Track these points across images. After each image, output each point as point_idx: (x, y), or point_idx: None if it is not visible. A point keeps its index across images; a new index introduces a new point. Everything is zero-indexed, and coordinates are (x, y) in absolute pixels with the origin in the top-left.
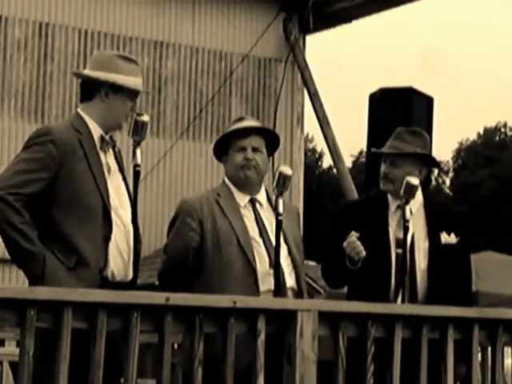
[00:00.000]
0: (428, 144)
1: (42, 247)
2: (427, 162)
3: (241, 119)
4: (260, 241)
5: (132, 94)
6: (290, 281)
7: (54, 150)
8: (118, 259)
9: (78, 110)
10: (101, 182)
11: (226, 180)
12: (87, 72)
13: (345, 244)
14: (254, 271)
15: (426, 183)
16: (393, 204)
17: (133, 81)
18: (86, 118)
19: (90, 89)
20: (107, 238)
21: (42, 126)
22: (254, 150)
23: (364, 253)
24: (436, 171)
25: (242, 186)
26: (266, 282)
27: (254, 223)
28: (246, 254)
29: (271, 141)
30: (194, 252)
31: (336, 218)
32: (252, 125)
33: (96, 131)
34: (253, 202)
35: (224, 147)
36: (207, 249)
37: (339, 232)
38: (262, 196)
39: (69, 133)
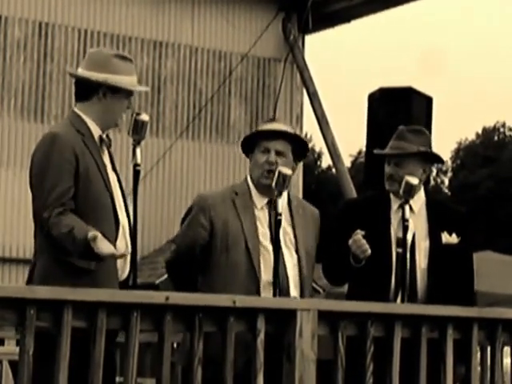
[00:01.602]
0: (430, 141)
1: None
2: (431, 159)
3: (272, 120)
4: (269, 246)
5: (128, 92)
6: (293, 292)
7: (68, 155)
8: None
9: (75, 109)
10: (108, 181)
11: (248, 178)
12: (83, 72)
13: (350, 242)
14: (257, 279)
15: (425, 182)
16: (395, 203)
17: (129, 80)
18: (85, 117)
19: (87, 89)
20: (116, 238)
21: (47, 132)
22: (278, 153)
23: (369, 251)
24: (434, 171)
25: (261, 190)
26: (266, 291)
27: (267, 227)
28: (251, 260)
29: (299, 146)
30: (201, 248)
31: (338, 216)
32: (279, 128)
33: (96, 131)
34: (270, 204)
35: (251, 145)
36: (216, 247)
37: (342, 230)
38: (282, 199)
39: (73, 135)
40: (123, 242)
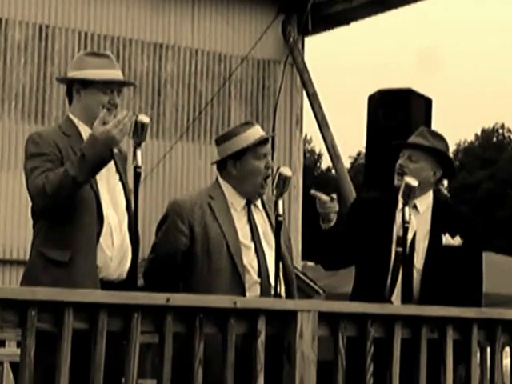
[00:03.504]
0: (447, 150)
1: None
2: (443, 164)
3: (250, 124)
4: (251, 245)
5: (103, 86)
6: (279, 288)
7: (51, 149)
8: (101, 255)
9: (68, 113)
10: (94, 182)
11: (222, 183)
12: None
13: (319, 204)
14: (241, 282)
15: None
16: (401, 202)
17: (100, 73)
18: (75, 120)
19: (67, 91)
20: (99, 235)
21: (31, 133)
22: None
23: (336, 208)
24: (445, 183)
25: (251, 195)
26: (253, 291)
27: (247, 227)
28: (235, 264)
29: None
30: (182, 255)
31: (348, 210)
32: (262, 132)
33: (85, 132)
34: (248, 205)
35: (237, 153)
36: (196, 253)
37: (349, 224)
38: (258, 200)
39: (56, 135)
40: (109, 241)
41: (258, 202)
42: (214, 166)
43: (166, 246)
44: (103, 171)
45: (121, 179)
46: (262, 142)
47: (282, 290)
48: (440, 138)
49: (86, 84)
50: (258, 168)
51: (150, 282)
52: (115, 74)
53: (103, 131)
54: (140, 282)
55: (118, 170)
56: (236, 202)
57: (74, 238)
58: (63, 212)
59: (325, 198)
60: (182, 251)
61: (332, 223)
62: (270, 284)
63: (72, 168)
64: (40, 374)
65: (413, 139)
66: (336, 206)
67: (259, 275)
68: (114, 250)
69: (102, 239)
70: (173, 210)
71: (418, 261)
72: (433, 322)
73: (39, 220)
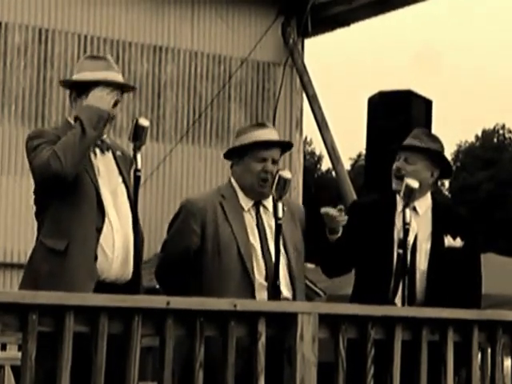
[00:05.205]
0: (442, 151)
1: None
2: (440, 164)
3: (261, 125)
4: (259, 248)
5: (86, 86)
6: (286, 291)
7: (54, 136)
8: (102, 257)
9: (67, 117)
10: (94, 178)
11: (233, 181)
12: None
13: (324, 212)
14: (251, 283)
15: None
16: (400, 205)
17: (92, 75)
18: (73, 123)
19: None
20: (99, 230)
21: (28, 133)
22: (273, 162)
23: (344, 220)
24: (446, 183)
25: (252, 195)
26: (261, 294)
27: (256, 229)
28: (244, 265)
29: (286, 149)
30: (193, 253)
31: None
32: (275, 138)
33: None
34: (257, 206)
35: (240, 151)
36: (207, 252)
37: (347, 229)
38: (268, 201)
39: (57, 134)
40: (110, 242)
41: (269, 204)
42: (214, 169)
43: (178, 244)
44: (103, 171)
45: (124, 181)
46: (263, 145)
47: (289, 295)
48: (435, 139)
49: (82, 90)
50: (255, 169)
51: (161, 279)
52: (111, 75)
53: (91, 94)
54: (143, 283)
55: (121, 173)
56: (245, 203)
57: (71, 227)
58: (64, 202)
59: (335, 212)
60: (193, 250)
61: (338, 234)
62: (277, 287)
63: (75, 129)
64: (41, 378)
65: (408, 141)
66: (344, 218)
67: (266, 279)
68: (115, 250)
69: (102, 240)
70: (185, 208)
71: (422, 263)
72: (433, 323)
73: (42, 213)
